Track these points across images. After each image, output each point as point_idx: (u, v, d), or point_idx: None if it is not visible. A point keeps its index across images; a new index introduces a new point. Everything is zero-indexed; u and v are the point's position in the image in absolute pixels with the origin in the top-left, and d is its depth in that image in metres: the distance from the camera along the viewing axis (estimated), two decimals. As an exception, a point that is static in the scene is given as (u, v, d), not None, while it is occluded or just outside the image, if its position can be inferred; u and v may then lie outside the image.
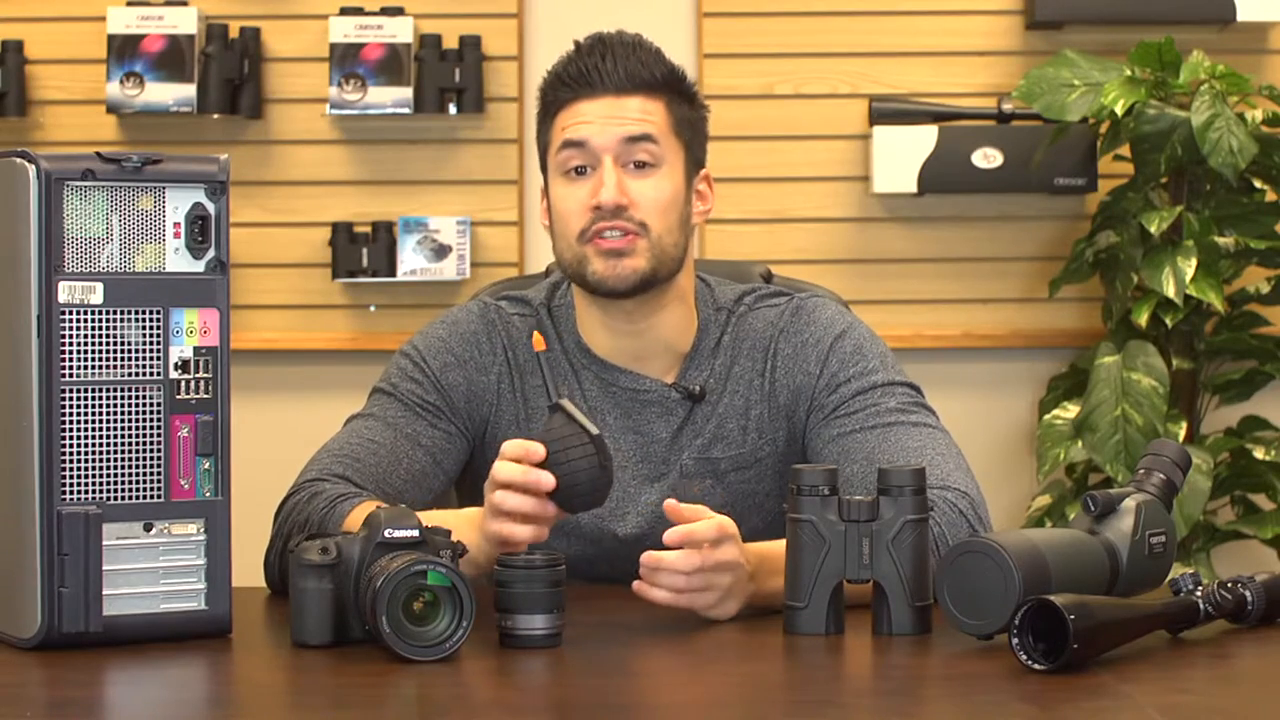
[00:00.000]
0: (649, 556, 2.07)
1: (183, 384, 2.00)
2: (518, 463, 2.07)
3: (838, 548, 2.03)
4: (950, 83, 4.42)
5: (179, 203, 2.01)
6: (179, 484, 2.00)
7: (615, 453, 2.43)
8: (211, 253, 2.02)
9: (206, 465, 2.01)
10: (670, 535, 2.07)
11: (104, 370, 1.97)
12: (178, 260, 2.01)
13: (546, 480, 2.06)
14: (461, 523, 2.11)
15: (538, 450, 2.07)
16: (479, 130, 4.43)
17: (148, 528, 1.99)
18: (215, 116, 4.33)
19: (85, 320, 1.96)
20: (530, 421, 2.44)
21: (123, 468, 1.98)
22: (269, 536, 2.33)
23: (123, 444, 1.98)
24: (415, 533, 1.98)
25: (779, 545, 2.16)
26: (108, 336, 1.97)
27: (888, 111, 4.35)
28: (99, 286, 1.97)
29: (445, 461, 2.43)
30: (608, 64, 2.38)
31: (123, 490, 1.98)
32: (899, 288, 4.43)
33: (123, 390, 1.98)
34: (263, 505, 2.40)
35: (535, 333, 2.27)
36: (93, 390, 1.97)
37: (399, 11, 4.36)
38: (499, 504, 2.08)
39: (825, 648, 2.01)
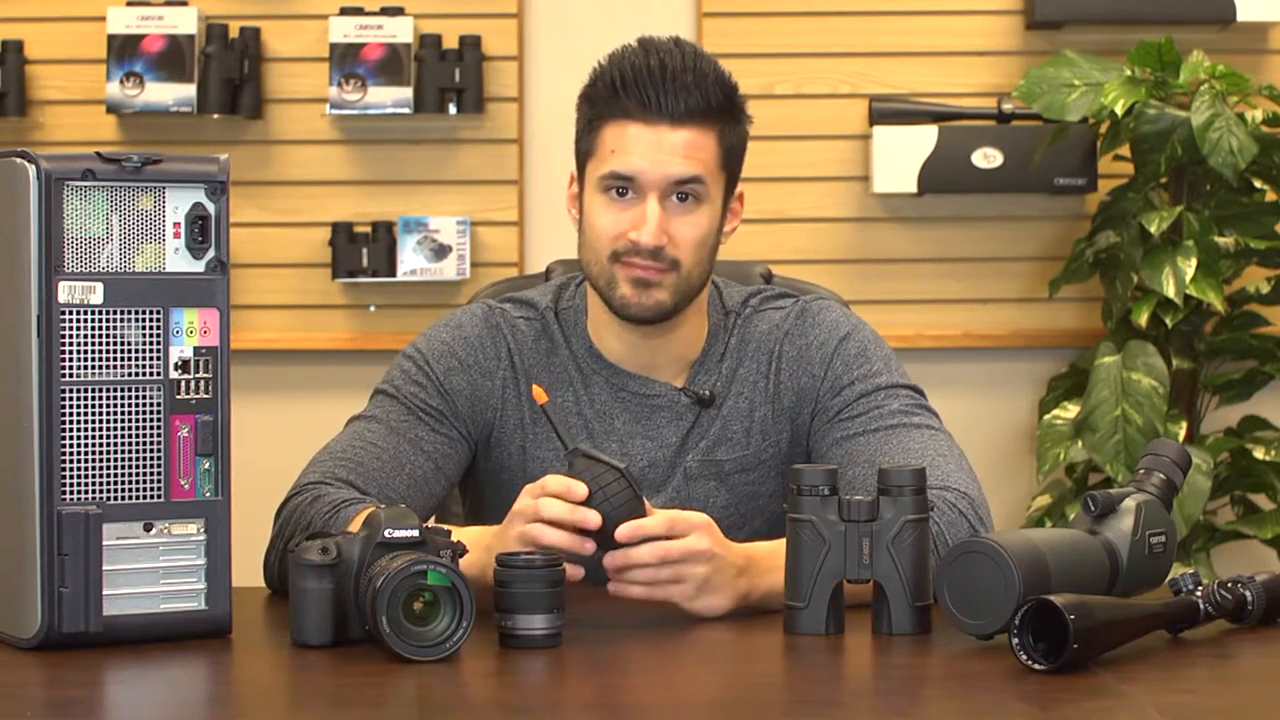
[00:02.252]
0: (613, 557, 2.07)
1: (183, 384, 2.00)
2: (560, 499, 2.06)
3: (838, 548, 2.03)
4: (950, 83, 4.43)
5: (179, 203, 2.01)
6: (179, 484, 2.00)
7: (625, 457, 2.43)
8: (211, 253, 2.02)
9: (206, 465, 2.01)
10: (620, 532, 2.06)
11: (104, 370, 1.97)
12: (178, 260, 2.01)
13: (593, 519, 2.05)
14: (466, 540, 2.10)
15: (580, 489, 2.06)
16: (479, 130, 4.43)
17: (148, 528, 1.99)
18: (215, 116, 4.33)
19: (85, 320, 1.96)
20: (536, 425, 2.44)
21: (123, 468, 1.98)
22: (269, 537, 2.33)
23: (123, 444, 1.98)
24: (415, 533, 1.98)
25: (770, 544, 2.16)
26: (108, 336, 1.97)
27: (888, 111, 4.35)
28: (99, 286, 1.97)
29: (447, 467, 2.42)
30: (668, 91, 2.31)
31: (123, 490, 1.98)
32: (899, 288, 4.43)
33: (123, 390, 1.98)
34: (263, 505, 2.40)
35: (535, 386, 2.22)
36: (93, 390, 1.97)
37: (399, 11, 4.36)
38: (537, 537, 2.06)
39: (825, 648, 2.01)
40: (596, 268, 2.38)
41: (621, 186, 2.35)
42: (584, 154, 2.40)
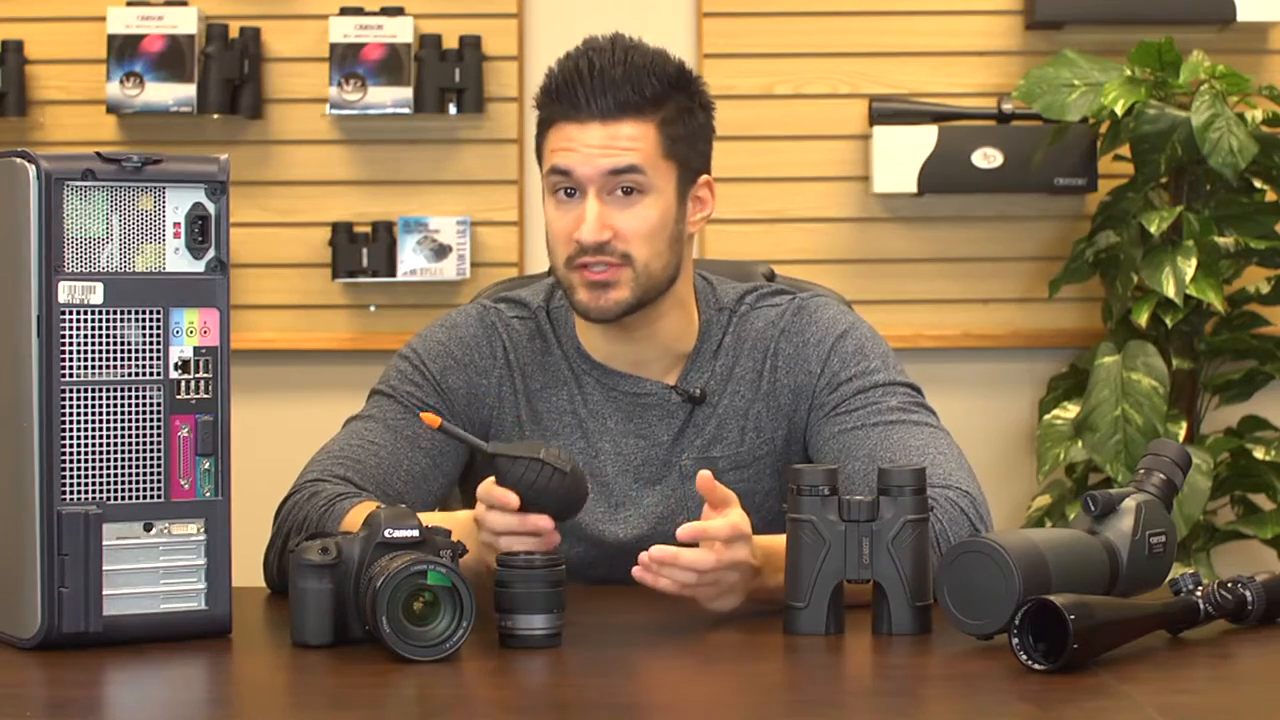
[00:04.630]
0: (663, 552, 2.05)
1: (183, 384, 2.00)
2: (500, 508, 2.07)
3: (838, 548, 2.03)
4: (950, 83, 4.43)
5: (179, 203, 2.01)
6: (179, 484, 2.00)
7: (618, 456, 2.43)
8: (211, 253, 2.02)
9: (206, 465, 2.01)
10: (684, 531, 2.06)
11: (104, 370, 1.97)
12: (178, 260, 2.01)
13: (544, 522, 2.06)
14: (456, 526, 2.11)
15: (511, 498, 2.06)
16: (479, 130, 4.43)
17: (148, 528, 1.99)
18: (215, 116, 4.33)
19: (85, 320, 1.96)
20: (536, 423, 2.44)
21: (123, 468, 1.98)
22: (269, 536, 2.33)
23: (123, 444, 1.98)
24: (415, 533, 1.98)
25: (782, 540, 2.16)
26: (108, 336, 1.97)
27: (888, 111, 4.35)
28: (99, 286, 1.97)
29: (445, 464, 2.42)
30: (596, 88, 2.33)
31: (123, 490, 1.98)
32: (899, 288, 4.43)
33: (123, 390, 1.98)
34: (263, 505, 2.40)
35: (422, 414, 2.23)
36: (93, 390, 1.97)
37: (399, 11, 4.36)
38: (508, 549, 2.06)
39: (825, 648, 2.01)
40: (560, 273, 2.40)
41: (569, 188, 2.36)
42: (540, 161, 2.43)
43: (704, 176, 2.43)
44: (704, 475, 2.09)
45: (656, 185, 2.36)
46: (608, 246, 2.34)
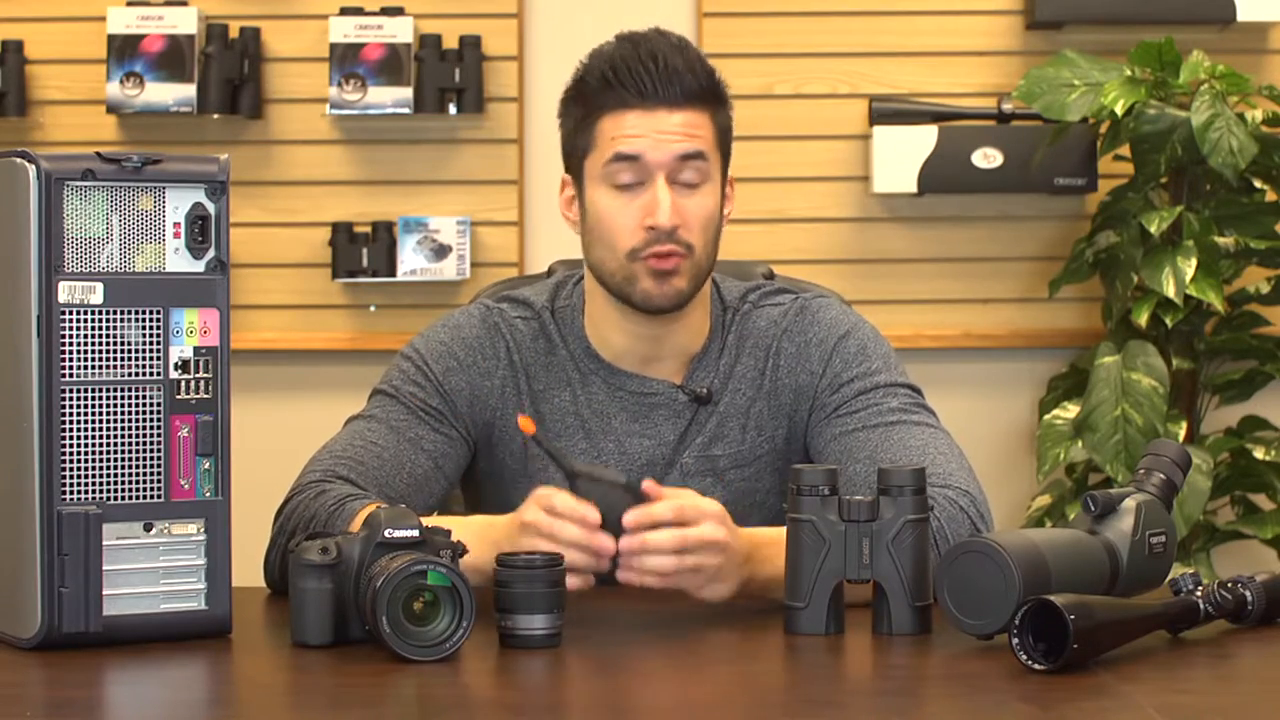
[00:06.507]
0: (632, 541, 2.07)
1: (183, 384, 2.00)
2: (577, 522, 2.07)
3: (838, 548, 2.03)
4: (950, 83, 4.43)
5: (179, 203, 2.01)
6: (179, 484, 2.00)
7: (622, 456, 2.44)
8: (211, 253, 2.02)
9: (206, 465, 2.01)
10: (628, 519, 2.07)
11: (104, 370, 1.97)
12: (178, 260, 2.01)
13: (609, 544, 2.07)
14: (467, 533, 2.10)
15: (593, 515, 2.07)
16: (479, 130, 4.43)
17: (148, 528, 1.99)
18: (215, 116, 4.33)
19: (85, 320, 1.96)
20: (539, 424, 2.43)
21: (123, 468, 1.98)
22: (269, 536, 2.33)
23: (123, 444, 1.98)
24: (415, 533, 1.98)
25: (772, 532, 2.16)
26: (108, 336, 1.97)
27: (888, 111, 4.35)
28: (99, 286, 1.97)
29: (447, 466, 2.42)
30: (663, 76, 2.34)
31: (123, 490, 1.98)
32: (899, 288, 4.43)
33: (123, 390, 1.98)
34: (263, 505, 2.40)
35: (521, 415, 2.25)
36: (93, 390, 1.96)
37: (399, 11, 4.36)
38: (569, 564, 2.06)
39: (825, 648, 2.01)
40: (614, 265, 2.37)
41: (627, 182, 2.35)
42: (580, 151, 2.40)
43: (730, 173, 2.46)
44: (647, 484, 2.11)
45: (712, 175, 2.40)
46: (676, 234, 2.35)
